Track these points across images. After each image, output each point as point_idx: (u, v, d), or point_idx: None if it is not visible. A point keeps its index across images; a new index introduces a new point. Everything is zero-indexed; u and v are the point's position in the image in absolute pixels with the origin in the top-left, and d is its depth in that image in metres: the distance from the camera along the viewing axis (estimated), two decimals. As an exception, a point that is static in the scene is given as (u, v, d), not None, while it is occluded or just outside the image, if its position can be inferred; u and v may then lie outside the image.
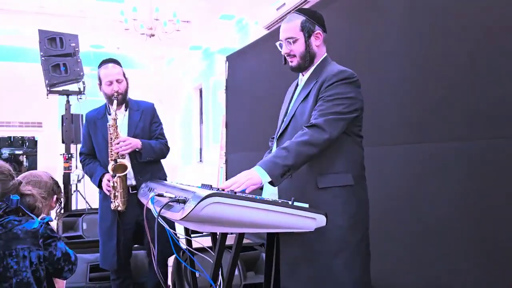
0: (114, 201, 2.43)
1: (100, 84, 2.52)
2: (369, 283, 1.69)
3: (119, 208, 2.43)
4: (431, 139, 2.33)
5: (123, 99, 2.52)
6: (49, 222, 1.62)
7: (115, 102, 2.43)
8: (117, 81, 2.47)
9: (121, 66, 2.56)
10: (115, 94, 2.45)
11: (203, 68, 9.41)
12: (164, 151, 2.60)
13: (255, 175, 1.49)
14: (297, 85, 1.86)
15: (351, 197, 1.65)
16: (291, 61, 1.76)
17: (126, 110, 2.57)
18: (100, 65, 2.54)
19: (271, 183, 1.52)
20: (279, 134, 1.79)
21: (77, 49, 4.33)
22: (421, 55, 2.41)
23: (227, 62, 5.30)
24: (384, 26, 2.69)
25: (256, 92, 4.65)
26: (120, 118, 2.53)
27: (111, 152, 2.42)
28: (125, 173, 2.41)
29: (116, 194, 2.42)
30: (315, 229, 1.53)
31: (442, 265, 2.25)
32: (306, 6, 3.73)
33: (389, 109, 2.64)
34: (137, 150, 2.45)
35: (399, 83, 2.55)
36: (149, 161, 2.51)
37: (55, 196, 1.92)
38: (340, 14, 3.16)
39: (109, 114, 2.50)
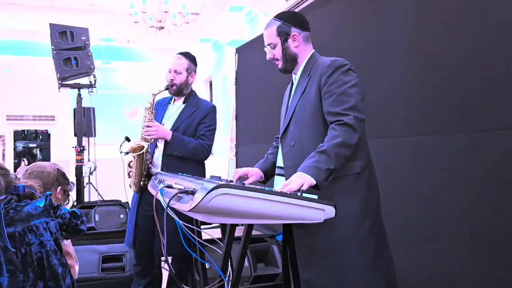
0: (130, 179, 2.53)
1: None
2: (384, 268, 1.69)
3: (133, 188, 2.52)
4: (441, 131, 2.31)
5: (178, 91, 2.57)
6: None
7: (164, 88, 2.53)
8: (175, 71, 2.55)
9: (190, 61, 2.60)
10: (170, 83, 2.54)
11: (212, 60, 9.40)
12: (199, 151, 2.53)
13: (307, 177, 1.51)
14: (292, 84, 1.92)
15: (361, 183, 1.68)
16: (278, 64, 1.86)
17: (183, 103, 2.61)
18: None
19: (315, 187, 1.53)
20: (282, 133, 1.83)
21: (87, 42, 4.35)
22: (430, 46, 2.38)
23: (236, 54, 5.29)
24: (389, 19, 2.66)
25: (266, 84, 4.63)
26: (175, 109, 2.61)
27: (142, 134, 2.49)
28: (139, 153, 2.42)
29: (130, 174, 2.50)
30: (329, 219, 1.53)
31: (453, 259, 2.24)
32: (315, -2, 3.70)
33: (396, 102, 2.61)
34: (167, 140, 2.48)
35: (406, 75, 2.53)
36: (180, 157, 2.48)
37: (59, 187, 1.94)
38: (349, 7, 3.13)
39: (170, 104, 2.62)
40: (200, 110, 2.60)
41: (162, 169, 2.47)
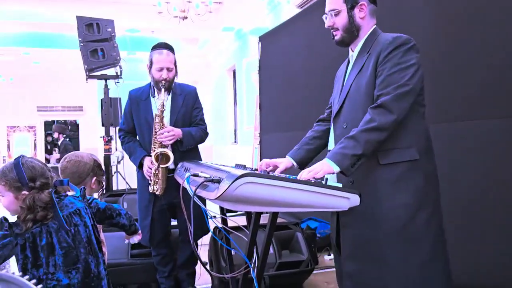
0: (153, 186, 2.49)
1: (150, 66, 2.53)
2: (439, 269, 1.56)
3: (157, 193, 2.50)
4: (475, 117, 2.25)
5: (169, 87, 2.54)
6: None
7: (162, 90, 2.45)
8: (167, 69, 2.48)
9: (174, 54, 2.57)
10: (163, 81, 2.46)
11: (236, 49, 9.40)
12: (203, 137, 2.64)
13: (327, 165, 1.47)
14: (348, 62, 1.79)
15: (417, 172, 1.55)
16: (335, 35, 1.70)
17: (169, 94, 2.57)
18: (154, 48, 2.56)
19: (342, 173, 1.49)
20: (335, 113, 1.72)
21: (113, 34, 4.42)
22: (459, 30, 2.32)
23: (260, 43, 5.27)
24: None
25: (289, 72, 4.61)
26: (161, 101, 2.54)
27: (155, 140, 2.46)
28: (168, 164, 2.45)
29: (157, 180, 2.48)
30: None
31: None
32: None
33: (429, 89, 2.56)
34: (178, 139, 2.50)
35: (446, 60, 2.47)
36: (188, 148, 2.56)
37: (94, 178, 2.00)
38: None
39: (153, 97, 2.54)
40: (189, 96, 2.61)
41: (175, 163, 2.48)
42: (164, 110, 2.47)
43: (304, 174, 1.49)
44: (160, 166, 2.44)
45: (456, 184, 2.34)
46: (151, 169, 2.48)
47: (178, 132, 2.48)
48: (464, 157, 2.34)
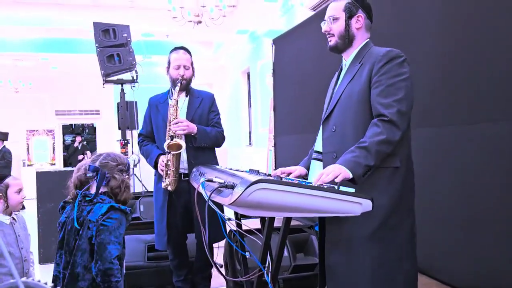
0: (165, 180, 2.52)
1: (168, 67, 2.64)
2: (407, 270, 1.67)
3: (169, 188, 2.52)
4: (485, 119, 2.23)
5: (186, 85, 2.62)
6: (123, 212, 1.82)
7: (178, 85, 2.53)
8: (184, 66, 2.59)
9: (191, 55, 2.67)
10: (180, 78, 2.55)
11: (250, 51, 9.43)
12: (219, 139, 2.67)
13: (345, 170, 1.52)
14: (341, 69, 1.88)
15: (397, 178, 1.66)
16: (330, 40, 1.82)
17: (186, 96, 2.67)
18: (171, 51, 2.68)
19: (351, 181, 1.54)
20: (325, 117, 1.81)
21: (129, 39, 4.49)
22: (467, 33, 2.30)
23: (273, 45, 5.29)
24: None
25: (303, 75, 4.62)
26: (180, 103, 2.61)
27: (169, 131, 2.51)
28: (179, 151, 2.49)
29: (168, 172, 2.51)
30: None
31: (497, 251, 2.18)
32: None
33: (437, 92, 2.55)
34: (192, 134, 2.54)
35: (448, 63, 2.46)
36: (203, 147, 2.58)
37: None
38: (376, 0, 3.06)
39: (171, 99, 2.59)
40: (206, 100, 2.68)
41: (189, 162, 2.54)
42: (178, 100, 2.54)
43: (323, 177, 1.51)
44: (171, 152, 2.48)
45: (451, 187, 2.33)
46: (163, 161, 2.52)
47: (192, 125, 2.53)
48: (467, 159, 2.32)
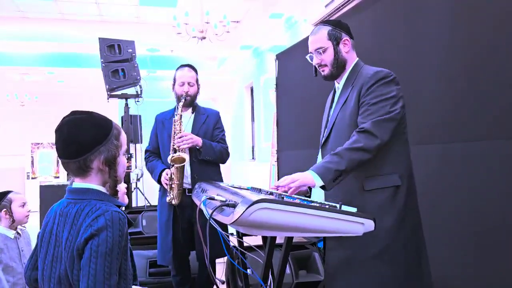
0: (170, 193, 2.54)
1: (174, 84, 2.71)
2: (417, 286, 1.66)
3: (173, 202, 2.54)
4: (480, 137, 2.23)
5: (191, 102, 2.67)
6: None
7: (182, 101, 2.59)
8: (189, 83, 2.66)
9: (196, 73, 2.74)
10: (185, 94, 2.62)
11: (253, 67, 9.50)
12: (224, 154, 2.69)
13: (309, 176, 1.54)
14: (334, 92, 1.91)
15: (399, 196, 1.65)
16: (323, 71, 1.82)
17: (192, 113, 2.72)
18: (177, 68, 2.76)
19: (323, 187, 1.55)
20: (322, 142, 1.83)
21: (134, 54, 4.54)
22: (463, 52, 2.31)
23: (277, 61, 5.33)
24: (427, 22, 2.60)
25: (306, 90, 4.64)
26: (186, 119, 2.67)
27: (173, 145, 2.54)
28: (182, 164, 2.51)
29: (172, 186, 2.53)
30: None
31: (503, 265, 2.16)
32: (352, 4, 3.68)
33: (429, 108, 2.55)
34: (197, 148, 2.55)
35: (439, 81, 2.46)
36: (208, 161, 2.60)
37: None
38: (382, 14, 3.09)
39: (176, 115, 2.64)
40: (211, 116, 2.74)
41: (192, 178, 2.55)
42: (182, 115, 2.59)
43: (281, 181, 1.57)
44: (175, 165, 2.49)
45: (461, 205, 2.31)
46: (167, 174, 2.53)
47: (196, 139, 2.56)
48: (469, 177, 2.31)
